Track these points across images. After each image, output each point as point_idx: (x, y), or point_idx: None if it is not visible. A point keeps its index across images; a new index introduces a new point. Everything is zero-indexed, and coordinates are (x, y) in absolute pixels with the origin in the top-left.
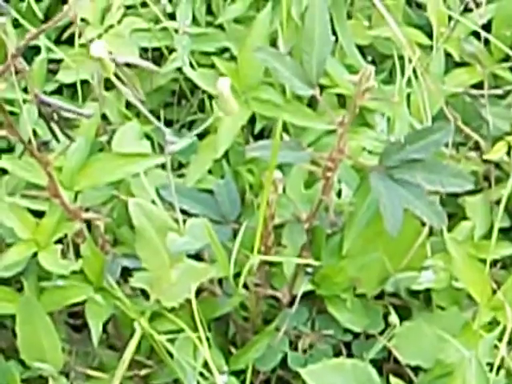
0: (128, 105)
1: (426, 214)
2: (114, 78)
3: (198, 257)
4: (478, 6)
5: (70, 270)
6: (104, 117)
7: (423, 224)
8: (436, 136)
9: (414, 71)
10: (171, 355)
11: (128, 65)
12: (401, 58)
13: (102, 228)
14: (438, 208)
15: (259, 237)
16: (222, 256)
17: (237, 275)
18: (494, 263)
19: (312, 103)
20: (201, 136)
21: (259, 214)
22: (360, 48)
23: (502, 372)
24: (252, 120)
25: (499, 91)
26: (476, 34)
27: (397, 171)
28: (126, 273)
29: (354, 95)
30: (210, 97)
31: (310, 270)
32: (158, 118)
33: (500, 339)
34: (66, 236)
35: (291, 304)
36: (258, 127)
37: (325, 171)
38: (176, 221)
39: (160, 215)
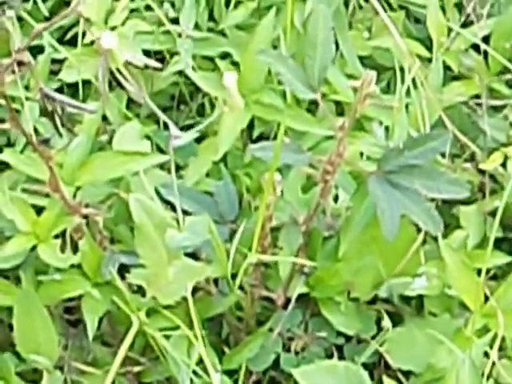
0: (128, 106)
1: (423, 219)
2: (122, 71)
3: (195, 256)
4: (478, 19)
5: (69, 264)
6: (104, 118)
7: (418, 231)
8: (434, 143)
9: (413, 82)
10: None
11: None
12: (400, 70)
13: (101, 224)
14: (435, 214)
15: (257, 236)
16: (221, 253)
17: (233, 276)
18: (486, 273)
19: (311, 109)
20: (199, 140)
21: (258, 214)
22: (359, 59)
23: (491, 381)
24: (250, 126)
25: (498, 102)
26: (474, 48)
27: (395, 176)
28: (123, 270)
29: (355, 100)
30: (210, 101)
31: (306, 270)
32: (157, 122)
33: (491, 346)
34: (64, 233)
35: (285, 306)
36: (256, 132)
37: (323, 174)
38: (175, 219)
39: (160, 212)
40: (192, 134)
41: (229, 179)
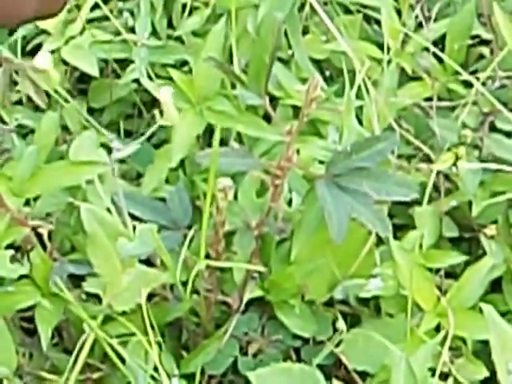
0: (89, 115)
1: (372, 221)
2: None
3: (150, 263)
4: (426, 20)
5: (19, 275)
6: (65, 127)
7: (371, 232)
8: (381, 145)
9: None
10: (124, 359)
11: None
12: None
13: (46, 235)
14: (384, 216)
15: (204, 243)
16: (168, 261)
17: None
18: (446, 274)
19: (268, 115)
20: (158, 146)
21: (204, 221)
22: (317, 62)
23: (451, 380)
24: (211, 131)
25: (447, 103)
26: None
27: (343, 179)
28: (81, 279)
29: (303, 104)
30: None
31: (256, 275)
32: (118, 129)
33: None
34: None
35: (243, 310)
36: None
37: (273, 179)
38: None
39: (112, 221)
40: (133, 147)
41: (181, 185)
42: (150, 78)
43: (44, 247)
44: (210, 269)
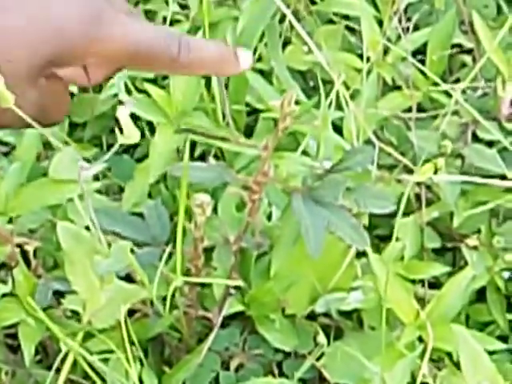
0: (71, 130)
1: (349, 235)
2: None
3: (131, 279)
4: (404, 31)
5: (2, 293)
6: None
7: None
8: (358, 158)
9: (351, 96)
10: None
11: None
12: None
13: (32, 252)
14: (361, 229)
15: (180, 259)
16: (143, 277)
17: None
18: (431, 285)
19: (249, 129)
20: (141, 160)
21: (178, 237)
22: (300, 74)
23: None
24: (193, 144)
25: (427, 114)
26: (414, 57)
27: (319, 193)
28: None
29: (279, 119)
30: (150, 123)
31: (233, 291)
32: (100, 145)
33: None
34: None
35: (224, 325)
36: (197, 151)
37: (251, 194)
38: (107, 244)
39: (89, 239)
40: (100, 165)
41: (160, 201)
42: (129, 92)
43: (28, 264)
44: (189, 284)
